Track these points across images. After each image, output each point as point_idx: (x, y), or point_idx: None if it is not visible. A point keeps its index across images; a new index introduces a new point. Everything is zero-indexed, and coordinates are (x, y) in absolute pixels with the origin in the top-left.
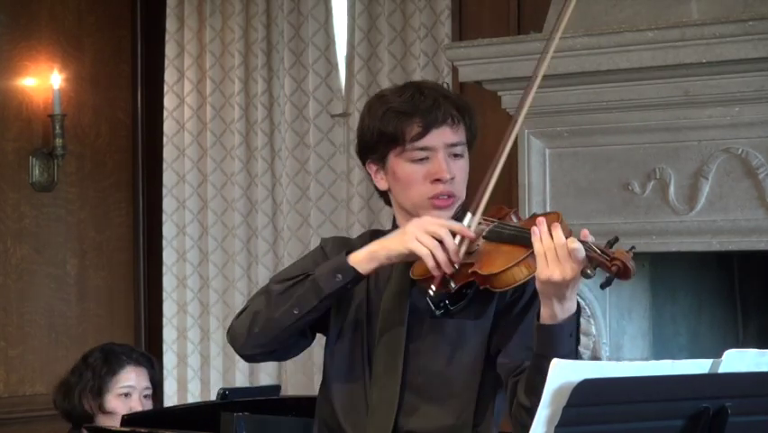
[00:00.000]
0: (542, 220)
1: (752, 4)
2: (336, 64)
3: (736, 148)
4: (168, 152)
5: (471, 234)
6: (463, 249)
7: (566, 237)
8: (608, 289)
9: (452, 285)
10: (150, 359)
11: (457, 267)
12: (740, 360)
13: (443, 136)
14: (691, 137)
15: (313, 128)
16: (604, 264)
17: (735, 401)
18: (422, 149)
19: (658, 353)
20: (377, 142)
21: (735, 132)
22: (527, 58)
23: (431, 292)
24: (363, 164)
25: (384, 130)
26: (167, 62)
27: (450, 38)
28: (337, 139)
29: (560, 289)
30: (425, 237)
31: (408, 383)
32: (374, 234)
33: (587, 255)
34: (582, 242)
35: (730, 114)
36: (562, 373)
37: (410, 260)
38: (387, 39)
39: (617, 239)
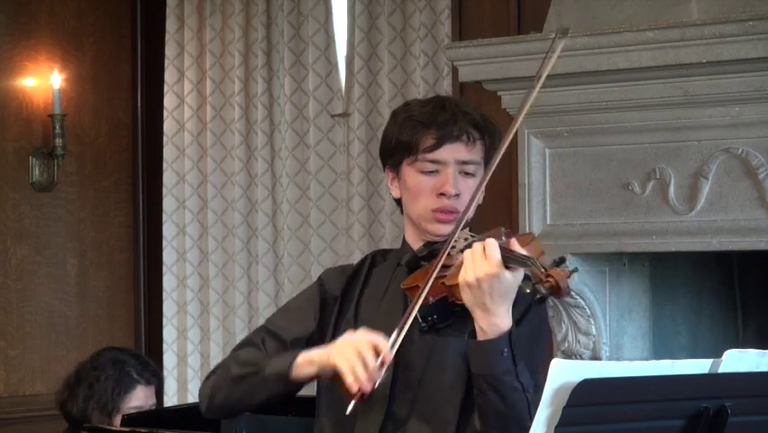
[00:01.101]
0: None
1: (752, 4)
2: (336, 64)
3: (735, 148)
4: (168, 152)
5: (389, 358)
6: (383, 372)
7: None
8: (608, 289)
9: (431, 300)
10: (158, 373)
11: (375, 386)
12: (740, 360)
13: (456, 152)
14: (691, 137)
15: (313, 128)
16: (539, 279)
17: (734, 401)
18: (433, 161)
19: (658, 353)
20: (394, 149)
21: (735, 132)
22: (527, 58)
23: (349, 408)
24: (384, 169)
25: (401, 138)
26: (167, 62)
27: (450, 38)
28: (337, 139)
29: (480, 295)
30: (349, 354)
31: (395, 396)
32: (375, 257)
33: (527, 269)
34: (524, 256)
35: (730, 114)
36: (562, 373)
37: (332, 373)
38: (387, 39)
39: (563, 259)
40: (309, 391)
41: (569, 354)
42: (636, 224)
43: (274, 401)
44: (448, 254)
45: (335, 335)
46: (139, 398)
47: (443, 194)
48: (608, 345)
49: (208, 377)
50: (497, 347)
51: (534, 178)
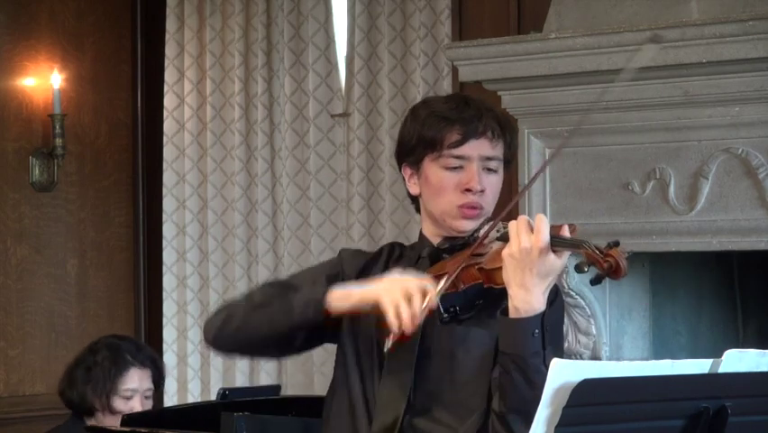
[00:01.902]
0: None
1: (752, 4)
2: (336, 64)
3: (735, 148)
4: (168, 152)
5: (435, 304)
6: (423, 316)
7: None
8: (608, 289)
9: (462, 286)
10: (155, 359)
11: (417, 326)
12: (740, 360)
13: (481, 148)
14: (691, 137)
15: (313, 128)
16: (596, 260)
17: (734, 401)
18: (458, 157)
19: (658, 352)
20: (415, 145)
21: (735, 132)
22: (527, 58)
23: (385, 347)
24: (399, 168)
25: (424, 134)
26: (167, 62)
27: (450, 38)
28: (337, 139)
29: (521, 270)
30: (395, 292)
31: (418, 385)
32: (392, 248)
33: (581, 251)
34: (577, 239)
35: (730, 114)
36: (562, 373)
37: (377, 311)
38: (387, 39)
39: (617, 242)
40: (309, 391)
41: (569, 354)
42: (636, 224)
43: (291, 337)
44: (481, 243)
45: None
46: (133, 380)
47: (468, 190)
48: (608, 345)
49: (216, 311)
50: (529, 327)
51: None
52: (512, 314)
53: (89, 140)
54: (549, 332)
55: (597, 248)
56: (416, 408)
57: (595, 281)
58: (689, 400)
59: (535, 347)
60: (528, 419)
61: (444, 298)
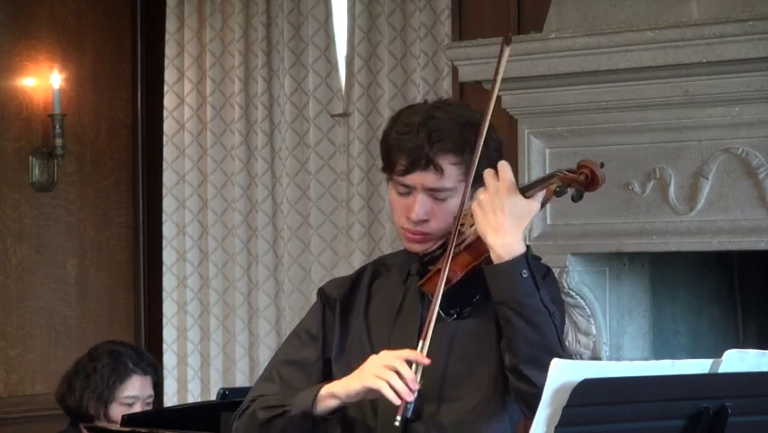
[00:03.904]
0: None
1: (752, 4)
2: (336, 64)
3: (735, 148)
4: (168, 152)
5: (426, 360)
6: (419, 375)
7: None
8: (608, 289)
9: (459, 275)
10: (155, 365)
11: (415, 395)
12: (740, 360)
13: (425, 179)
14: (691, 137)
15: (313, 128)
16: (571, 179)
17: (735, 401)
18: (403, 185)
19: (658, 353)
20: (382, 159)
21: (735, 132)
22: (527, 58)
23: (397, 421)
24: None
25: (382, 153)
26: (167, 62)
27: (450, 38)
28: (337, 139)
29: (491, 213)
30: (381, 371)
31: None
32: (378, 265)
33: (553, 181)
34: (545, 175)
35: (730, 114)
36: (562, 373)
37: (369, 397)
38: (387, 39)
39: (602, 164)
40: None
41: (569, 354)
42: (636, 224)
43: None
44: (459, 232)
45: (343, 336)
46: (135, 387)
47: (409, 217)
48: (608, 345)
49: (235, 421)
50: (515, 268)
51: (535, 178)
52: (495, 261)
53: (89, 140)
54: (553, 305)
55: (568, 170)
56: (419, 405)
57: (577, 197)
58: (689, 400)
59: (527, 287)
60: (542, 366)
61: (445, 296)
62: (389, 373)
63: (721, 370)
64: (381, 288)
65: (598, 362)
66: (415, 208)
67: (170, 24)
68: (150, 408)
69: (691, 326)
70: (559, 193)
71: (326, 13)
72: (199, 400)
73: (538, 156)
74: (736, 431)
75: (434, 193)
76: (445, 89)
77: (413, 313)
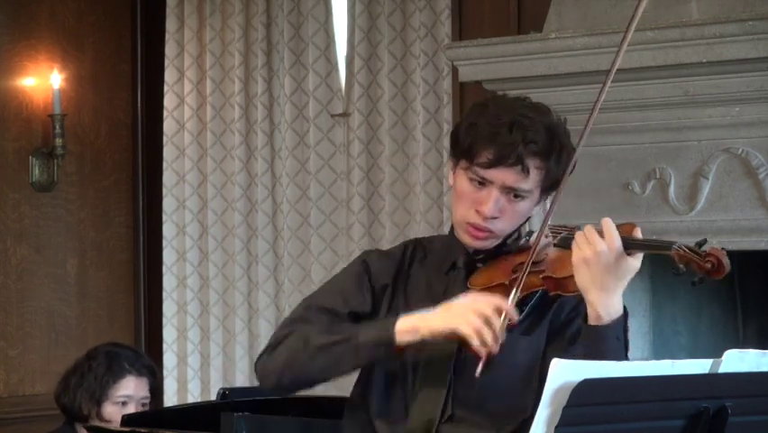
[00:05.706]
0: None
1: (752, 4)
2: (336, 64)
3: (735, 148)
4: (168, 152)
5: (516, 317)
6: (505, 333)
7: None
8: None
9: (519, 295)
10: (153, 368)
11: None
12: (740, 360)
13: (506, 177)
14: (691, 137)
15: (313, 128)
16: (692, 261)
17: (734, 401)
18: (482, 177)
19: (658, 352)
20: (457, 144)
21: (735, 132)
22: (527, 58)
23: (477, 373)
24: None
25: (464, 140)
26: (167, 62)
27: (450, 38)
28: (337, 139)
29: (598, 272)
30: (471, 317)
31: (455, 393)
32: (417, 246)
33: (675, 253)
34: (661, 240)
35: (730, 114)
36: (562, 373)
37: (453, 338)
38: (387, 39)
39: (705, 240)
40: (308, 391)
41: None
42: (636, 224)
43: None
44: (534, 251)
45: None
46: (128, 387)
47: (479, 211)
48: None
49: (269, 353)
50: (614, 333)
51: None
52: (595, 321)
53: (89, 140)
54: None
55: (689, 248)
56: (453, 414)
57: (698, 282)
58: (689, 400)
59: (618, 352)
60: None
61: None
62: (479, 322)
63: (721, 370)
64: (420, 272)
65: (598, 362)
66: (489, 204)
67: (170, 24)
68: (146, 409)
69: (691, 326)
70: (681, 274)
71: (326, 13)
72: (199, 400)
73: None
74: (736, 431)
75: (510, 192)
76: (445, 89)
77: None
